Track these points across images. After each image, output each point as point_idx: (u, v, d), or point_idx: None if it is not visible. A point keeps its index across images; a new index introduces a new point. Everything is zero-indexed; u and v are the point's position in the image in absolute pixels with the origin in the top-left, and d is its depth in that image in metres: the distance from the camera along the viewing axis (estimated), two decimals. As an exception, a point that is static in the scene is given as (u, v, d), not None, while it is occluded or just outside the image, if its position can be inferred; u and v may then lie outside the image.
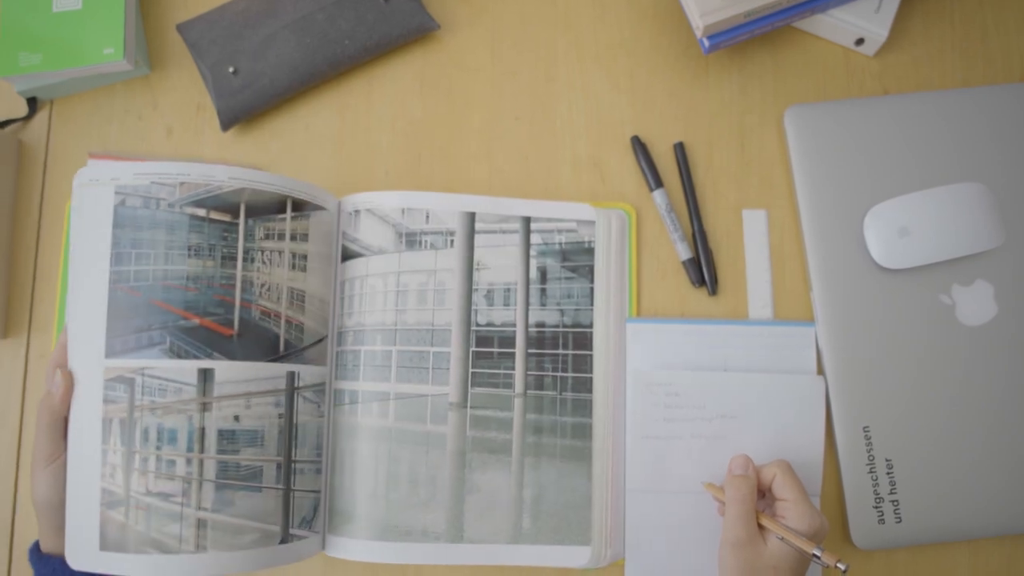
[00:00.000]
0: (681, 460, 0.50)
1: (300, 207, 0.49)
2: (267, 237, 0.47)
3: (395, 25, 0.57)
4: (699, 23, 0.52)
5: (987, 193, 0.52)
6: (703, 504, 0.50)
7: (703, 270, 0.55)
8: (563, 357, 0.53)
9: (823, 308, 0.52)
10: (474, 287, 0.53)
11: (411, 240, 0.52)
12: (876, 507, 0.50)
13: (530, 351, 0.52)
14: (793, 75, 0.58)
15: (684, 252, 0.55)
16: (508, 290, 0.53)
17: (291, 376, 0.47)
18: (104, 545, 0.42)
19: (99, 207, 0.44)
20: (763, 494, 0.47)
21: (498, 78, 0.59)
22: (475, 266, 0.53)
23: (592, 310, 0.53)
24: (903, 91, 0.57)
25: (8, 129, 0.59)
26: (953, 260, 0.52)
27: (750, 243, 0.55)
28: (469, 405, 0.51)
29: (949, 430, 0.50)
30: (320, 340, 0.50)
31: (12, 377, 0.56)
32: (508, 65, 0.59)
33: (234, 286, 0.45)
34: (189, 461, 0.43)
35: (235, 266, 0.46)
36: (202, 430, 0.44)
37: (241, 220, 0.46)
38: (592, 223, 0.54)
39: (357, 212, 0.52)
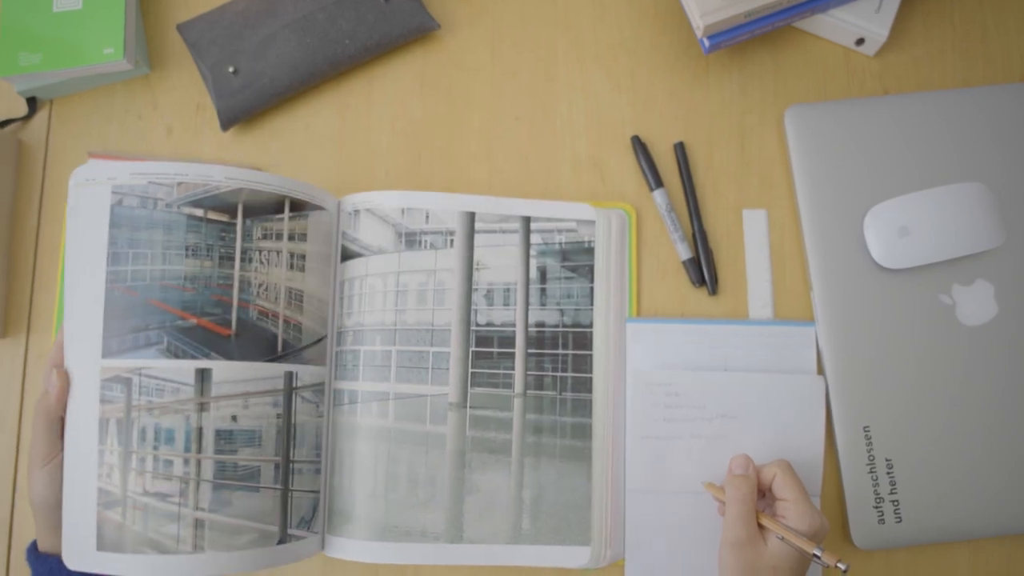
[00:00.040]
0: (681, 460, 0.50)
1: (298, 207, 0.49)
2: (265, 237, 0.47)
3: (395, 25, 0.57)
4: (699, 23, 0.52)
5: (987, 193, 0.52)
6: (703, 504, 0.50)
7: (703, 270, 0.55)
8: (563, 357, 0.52)
9: (823, 308, 0.52)
10: (474, 287, 0.53)
11: (411, 240, 0.52)
12: (876, 507, 0.50)
13: (530, 351, 0.52)
14: (793, 75, 0.58)
15: (684, 252, 0.55)
16: (508, 290, 0.53)
17: (289, 376, 0.47)
18: (101, 545, 0.42)
19: (96, 207, 0.44)
20: (763, 494, 0.47)
21: (498, 78, 0.59)
22: (475, 266, 0.53)
23: (592, 310, 0.53)
24: (903, 91, 0.57)
25: (8, 129, 0.59)
26: (953, 260, 0.51)
27: (750, 243, 0.55)
28: (469, 405, 0.51)
29: (949, 430, 0.50)
30: (319, 340, 0.49)
31: (11, 377, 0.56)
32: (508, 65, 0.59)
33: (232, 286, 0.45)
34: (186, 461, 0.43)
35: (233, 266, 0.45)
36: (199, 430, 0.43)
37: (239, 220, 0.46)
38: (592, 223, 0.54)
39: (357, 212, 0.52)
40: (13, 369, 0.56)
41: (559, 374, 0.52)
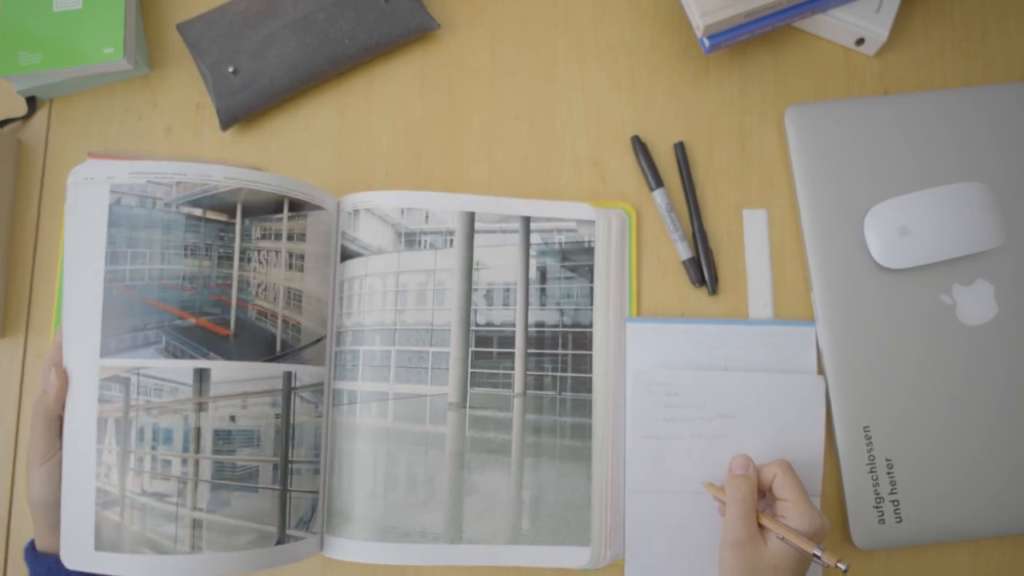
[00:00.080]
0: (681, 460, 0.50)
1: (298, 207, 0.49)
2: (264, 237, 0.47)
3: (395, 25, 0.57)
4: (699, 23, 0.52)
5: (987, 193, 0.52)
6: (703, 504, 0.50)
7: (703, 270, 0.55)
8: (563, 357, 0.52)
9: (823, 308, 0.52)
10: (473, 287, 0.53)
11: (410, 240, 0.52)
12: (876, 507, 0.50)
13: (529, 351, 0.52)
14: (793, 75, 0.58)
15: (684, 252, 0.55)
16: (508, 290, 0.53)
17: (288, 376, 0.47)
18: (99, 545, 0.42)
19: (94, 206, 0.44)
20: (763, 494, 0.47)
21: (498, 78, 0.59)
22: (475, 266, 0.53)
23: (592, 310, 0.53)
24: (903, 91, 0.57)
25: (7, 128, 0.59)
26: (953, 260, 0.51)
27: (750, 243, 0.55)
28: (468, 405, 0.51)
29: (949, 430, 0.50)
30: (318, 340, 0.49)
31: (9, 376, 0.55)
32: (508, 65, 0.59)
33: (230, 286, 0.45)
34: (185, 461, 0.43)
35: (232, 266, 0.45)
36: (198, 430, 0.43)
37: (238, 220, 0.46)
38: (592, 223, 0.54)
39: (356, 212, 0.52)
40: (11, 368, 0.56)
41: (559, 374, 0.52)
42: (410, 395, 0.51)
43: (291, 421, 0.47)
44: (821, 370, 0.52)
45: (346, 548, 0.48)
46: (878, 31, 0.55)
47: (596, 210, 0.54)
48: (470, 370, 0.52)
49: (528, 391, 0.52)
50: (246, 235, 0.46)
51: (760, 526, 0.44)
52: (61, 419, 0.43)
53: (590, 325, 0.53)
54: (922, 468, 0.50)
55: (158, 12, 0.61)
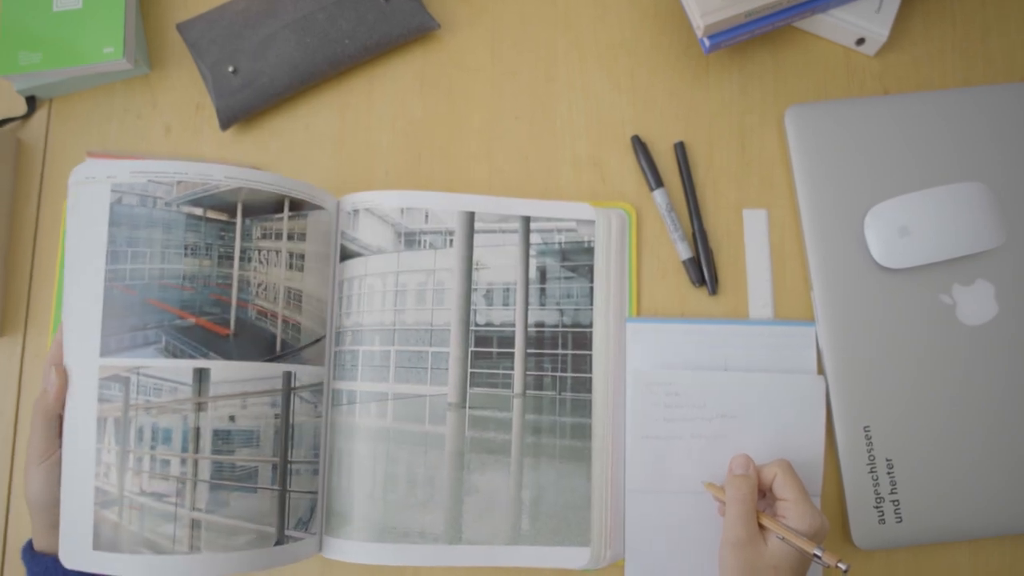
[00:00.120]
0: (681, 460, 0.50)
1: (298, 207, 0.49)
2: (264, 237, 0.47)
3: (395, 25, 0.57)
4: (700, 23, 0.52)
5: (987, 193, 0.52)
6: (703, 504, 0.49)
7: (703, 270, 0.54)
8: (562, 357, 0.52)
9: (823, 308, 0.52)
10: (473, 287, 0.53)
11: (410, 240, 0.52)
12: (877, 507, 0.50)
13: (529, 351, 0.52)
14: (793, 75, 0.58)
15: (684, 252, 0.55)
16: (507, 290, 0.53)
17: (287, 376, 0.47)
18: (97, 545, 0.42)
19: (95, 205, 0.44)
20: (763, 494, 0.47)
21: (498, 78, 0.59)
22: (474, 266, 0.53)
23: (592, 310, 0.53)
24: (903, 91, 0.57)
25: (7, 128, 0.59)
26: (953, 260, 0.51)
27: (750, 243, 0.55)
28: (468, 405, 0.51)
29: (950, 430, 0.50)
30: (318, 340, 0.49)
31: (8, 375, 0.55)
32: (508, 65, 0.59)
33: (231, 285, 0.45)
34: (184, 461, 0.43)
35: (232, 265, 0.45)
36: (197, 430, 0.43)
37: (238, 219, 0.46)
38: (592, 223, 0.54)
39: (356, 212, 0.52)
40: (10, 368, 0.56)
41: (559, 374, 0.52)
42: (409, 395, 0.50)
43: (290, 421, 0.47)
44: (821, 370, 0.52)
45: (345, 549, 0.48)
46: (878, 31, 0.55)
47: (596, 210, 0.54)
48: (470, 370, 0.51)
49: (528, 391, 0.52)
50: (246, 235, 0.46)
51: (760, 526, 0.44)
52: (61, 418, 0.43)
53: (590, 325, 0.53)
54: (922, 468, 0.50)
55: (158, 12, 0.61)
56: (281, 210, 0.48)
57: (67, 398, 0.43)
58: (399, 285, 0.52)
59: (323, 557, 0.49)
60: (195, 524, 0.43)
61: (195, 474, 0.43)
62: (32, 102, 0.59)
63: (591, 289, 0.53)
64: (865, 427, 0.50)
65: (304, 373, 0.48)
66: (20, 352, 0.56)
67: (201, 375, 0.44)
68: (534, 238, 0.54)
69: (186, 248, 0.44)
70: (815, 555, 0.42)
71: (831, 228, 0.53)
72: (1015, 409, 0.50)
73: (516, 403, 0.51)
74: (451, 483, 0.50)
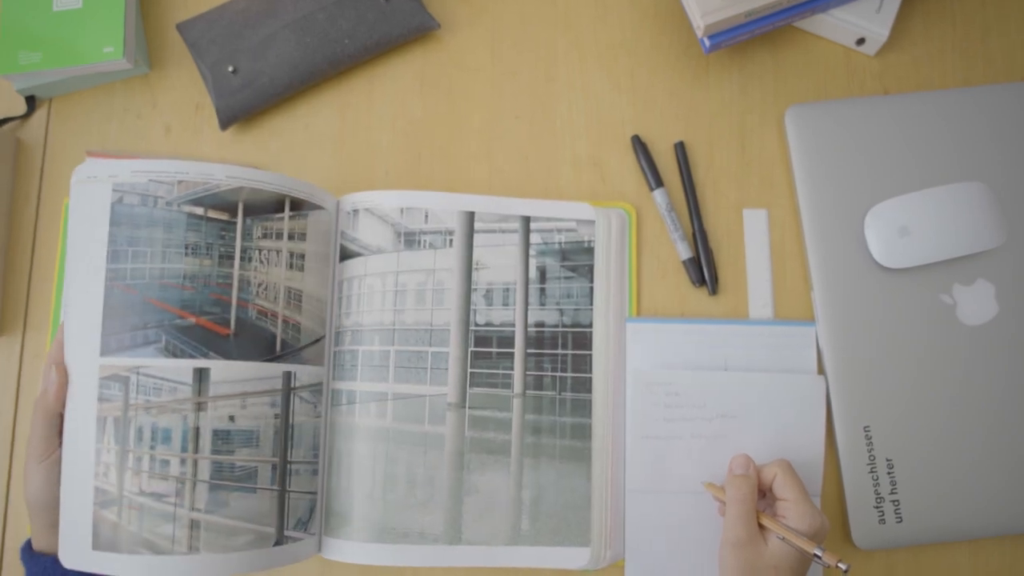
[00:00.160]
0: (681, 460, 0.50)
1: (298, 206, 0.49)
2: (265, 236, 0.47)
3: (395, 24, 0.57)
4: (700, 23, 0.52)
5: (988, 192, 0.52)
6: (703, 504, 0.49)
7: (703, 269, 0.54)
8: (562, 357, 0.52)
9: (824, 308, 0.52)
10: (473, 287, 0.52)
11: (410, 240, 0.52)
12: (877, 507, 0.49)
13: (529, 351, 0.52)
14: (794, 75, 0.58)
15: (684, 251, 0.55)
16: (507, 290, 0.53)
17: (287, 376, 0.47)
18: (97, 544, 0.42)
19: (96, 204, 0.44)
20: (764, 494, 0.47)
21: (498, 78, 0.59)
22: (474, 266, 0.53)
23: (592, 310, 0.53)
24: (904, 91, 0.57)
25: (6, 127, 0.59)
26: (954, 260, 0.51)
27: (750, 242, 0.55)
28: (467, 405, 0.51)
29: (950, 430, 0.50)
30: (317, 340, 0.49)
31: (7, 375, 0.55)
32: (508, 65, 0.59)
33: (231, 285, 0.45)
34: (183, 461, 0.43)
35: (232, 265, 0.45)
36: (197, 430, 0.43)
37: (239, 219, 0.46)
38: (592, 222, 0.54)
39: (356, 211, 0.52)
40: (9, 367, 0.55)
41: (558, 374, 0.52)
42: (409, 395, 0.50)
43: (290, 421, 0.47)
44: (821, 370, 0.52)
45: (344, 549, 0.48)
46: (879, 31, 0.55)
47: (596, 210, 0.54)
48: (469, 370, 0.51)
49: (528, 391, 0.52)
50: (247, 234, 0.46)
51: (760, 526, 0.44)
52: (61, 417, 0.43)
53: (590, 325, 0.53)
54: (922, 468, 0.50)
55: (158, 12, 0.61)
56: (281, 210, 0.48)
57: (67, 397, 0.43)
58: (399, 285, 0.52)
59: (322, 558, 0.49)
60: (194, 524, 0.42)
61: (194, 474, 0.43)
62: (32, 102, 0.59)
63: (591, 289, 0.53)
64: (865, 427, 0.50)
65: (304, 373, 0.48)
66: (19, 352, 0.56)
67: (201, 375, 0.44)
68: (534, 238, 0.54)
69: (187, 247, 0.44)
70: (815, 555, 0.42)
71: (831, 228, 0.53)
72: (1015, 409, 0.50)
73: (516, 403, 0.51)
74: (451, 483, 0.50)
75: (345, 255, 0.52)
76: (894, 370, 0.51)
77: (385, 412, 0.50)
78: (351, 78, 0.59)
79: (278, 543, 0.45)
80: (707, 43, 0.53)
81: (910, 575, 0.51)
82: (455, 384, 0.51)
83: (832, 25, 0.56)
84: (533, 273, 0.53)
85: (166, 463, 0.43)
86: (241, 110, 0.56)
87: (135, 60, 0.58)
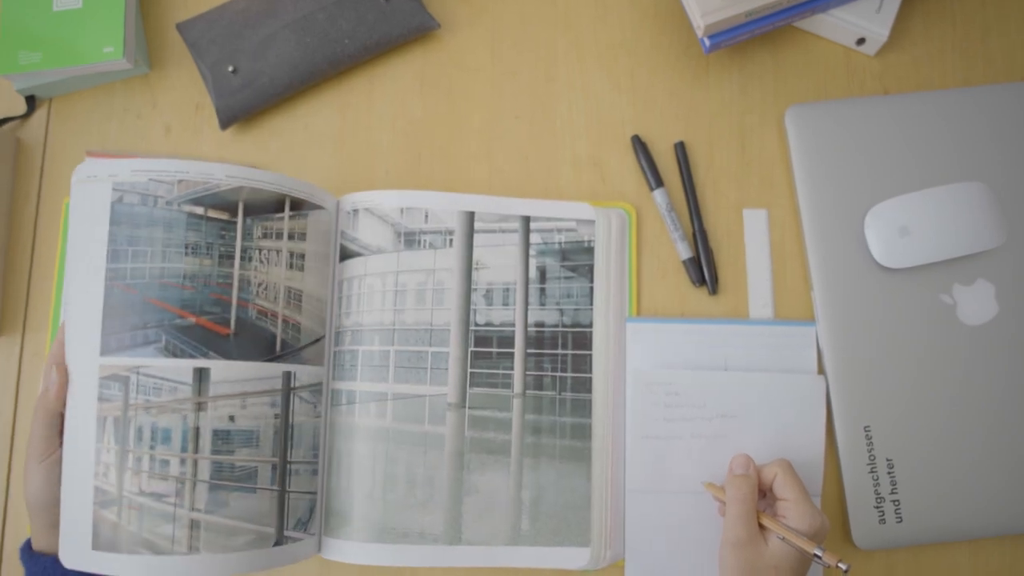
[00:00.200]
0: (681, 460, 0.50)
1: (298, 206, 0.49)
2: (265, 236, 0.47)
3: (395, 24, 0.57)
4: (700, 23, 0.52)
5: (988, 192, 0.52)
6: (703, 504, 0.49)
7: (703, 269, 0.54)
8: (562, 357, 0.52)
9: (824, 307, 0.52)
10: (473, 287, 0.52)
11: (410, 239, 0.52)
12: (877, 507, 0.49)
13: (529, 351, 0.52)
14: (794, 75, 0.58)
15: (684, 251, 0.55)
16: (507, 290, 0.53)
17: (287, 376, 0.47)
18: (96, 545, 0.41)
19: (96, 203, 0.44)
20: (764, 494, 0.47)
21: (498, 78, 0.59)
22: (474, 266, 0.53)
23: (592, 310, 0.53)
24: (904, 91, 0.57)
25: (6, 127, 0.59)
26: (954, 259, 0.51)
27: (751, 242, 0.55)
28: (467, 405, 0.51)
29: (950, 430, 0.50)
30: (317, 340, 0.49)
31: (6, 375, 0.55)
32: (508, 65, 0.59)
33: (231, 285, 0.45)
34: (183, 461, 0.43)
35: (232, 265, 0.45)
36: (197, 430, 0.43)
37: (239, 219, 0.46)
38: (592, 222, 0.54)
39: (356, 211, 0.52)
40: (8, 367, 0.55)
41: (558, 374, 0.52)
42: (409, 395, 0.50)
43: (290, 421, 0.47)
44: (821, 370, 0.52)
45: (344, 550, 0.48)
46: (879, 31, 0.55)
47: (596, 210, 0.54)
48: (469, 370, 0.51)
49: (528, 391, 0.52)
50: (247, 234, 0.46)
51: (760, 526, 0.44)
52: (62, 417, 0.43)
53: (590, 325, 0.53)
54: (922, 468, 0.50)
55: (158, 12, 0.61)
56: (282, 209, 0.48)
57: (68, 397, 0.43)
58: (399, 285, 0.52)
59: (322, 558, 0.49)
60: (194, 524, 0.42)
61: (194, 474, 0.43)
62: (32, 101, 0.59)
63: (591, 289, 0.53)
64: (865, 427, 0.50)
65: (304, 373, 0.48)
66: (19, 351, 0.56)
67: (201, 375, 0.44)
68: (534, 238, 0.54)
69: (187, 247, 0.44)
70: (815, 555, 0.42)
71: (831, 228, 0.53)
72: (1015, 409, 0.50)
73: (516, 403, 0.51)
74: (451, 483, 0.50)
75: (345, 255, 0.52)
76: (894, 370, 0.51)
77: (385, 412, 0.50)
78: (351, 78, 0.59)
79: (278, 543, 0.45)
80: (707, 43, 0.53)
81: (910, 575, 0.51)
82: (455, 384, 0.51)
83: (832, 25, 0.56)
84: (533, 273, 0.53)
85: (166, 463, 0.43)
86: (241, 110, 0.56)
87: (135, 60, 0.58)
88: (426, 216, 0.53)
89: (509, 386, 0.52)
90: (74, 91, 0.59)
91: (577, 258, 0.54)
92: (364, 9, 0.57)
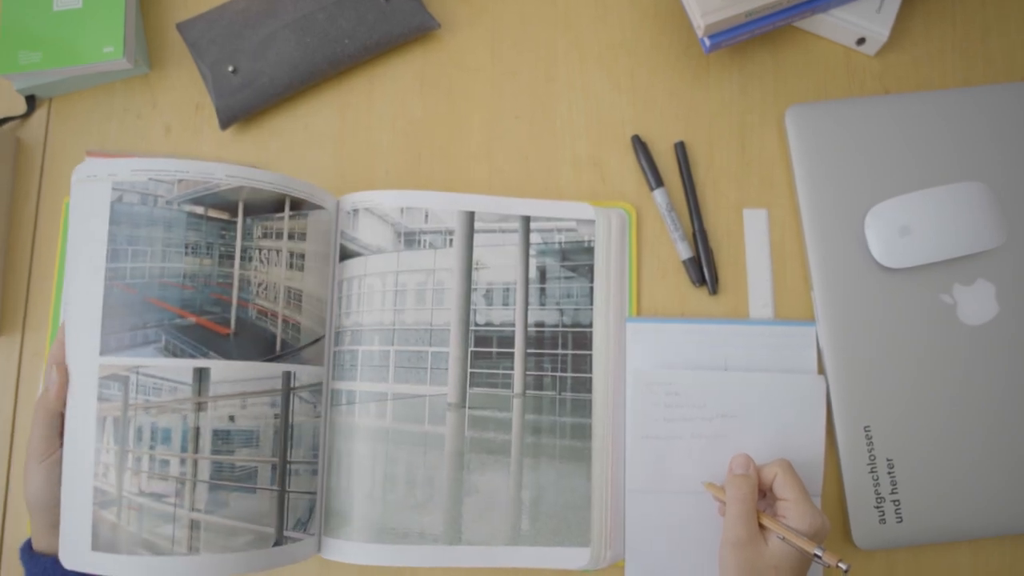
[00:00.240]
0: (681, 460, 0.50)
1: (298, 206, 0.48)
2: (265, 236, 0.47)
3: (395, 24, 0.57)
4: (700, 23, 0.52)
5: (988, 192, 0.52)
6: (703, 504, 0.49)
7: (703, 269, 0.54)
8: (562, 357, 0.52)
9: (824, 307, 0.52)
10: (473, 287, 0.52)
11: (410, 239, 0.52)
12: (877, 507, 0.49)
13: (529, 351, 0.52)
14: (794, 75, 0.58)
15: (684, 251, 0.55)
16: (507, 290, 0.53)
17: (287, 376, 0.47)
18: (96, 545, 0.41)
19: (96, 203, 0.44)
20: (764, 494, 0.47)
21: (498, 78, 0.59)
22: (474, 265, 0.53)
23: (592, 310, 0.53)
24: (904, 91, 0.57)
25: (6, 127, 0.59)
26: (954, 259, 0.51)
27: (751, 242, 0.55)
28: (467, 405, 0.51)
29: (950, 430, 0.50)
30: (317, 340, 0.49)
31: (6, 375, 0.55)
32: (508, 65, 0.59)
33: (231, 285, 0.45)
34: (183, 461, 0.43)
35: (232, 264, 0.45)
36: (196, 430, 0.43)
37: (239, 218, 0.46)
38: (592, 222, 0.54)
39: (356, 211, 0.52)
40: (8, 367, 0.55)
41: (559, 374, 0.52)
42: (409, 395, 0.50)
43: (290, 421, 0.47)
44: (821, 370, 0.52)
45: (344, 550, 0.48)
46: (879, 31, 0.55)
47: (596, 210, 0.54)
48: (469, 370, 0.51)
49: (528, 391, 0.52)
50: (247, 234, 0.46)
51: (761, 526, 0.44)
52: (62, 417, 0.43)
53: (590, 325, 0.53)
54: (923, 468, 0.50)
55: (158, 12, 0.61)
56: (281, 209, 0.48)
57: (68, 397, 0.43)
58: (399, 285, 0.51)
59: (322, 558, 0.49)
60: (194, 525, 0.42)
61: (194, 474, 0.43)
62: (32, 101, 0.59)
63: (591, 289, 0.53)
64: (865, 427, 0.50)
65: (304, 373, 0.48)
66: (18, 351, 0.56)
67: (201, 375, 0.43)
68: (534, 238, 0.54)
69: (187, 247, 0.44)
70: (815, 555, 0.42)
71: (831, 228, 0.53)
72: (1015, 409, 0.50)
73: (516, 403, 0.51)
74: (451, 483, 0.50)
75: (345, 255, 0.52)
76: (894, 370, 0.51)
77: (385, 412, 0.50)
78: (351, 78, 0.59)
79: (278, 543, 0.45)
80: (707, 43, 0.53)
81: (910, 575, 0.51)
82: (455, 384, 0.51)
83: (832, 25, 0.56)
84: (533, 273, 0.53)
85: (166, 463, 0.43)
86: (241, 110, 0.56)
87: (135, 60, 0.58)
88: (426, 216, 0.53)
89: (509, 386, 0.51)
90: (74, 91, 0.59)
91: (577, 258, 0.54)
92: (364, 9, 0.57)
